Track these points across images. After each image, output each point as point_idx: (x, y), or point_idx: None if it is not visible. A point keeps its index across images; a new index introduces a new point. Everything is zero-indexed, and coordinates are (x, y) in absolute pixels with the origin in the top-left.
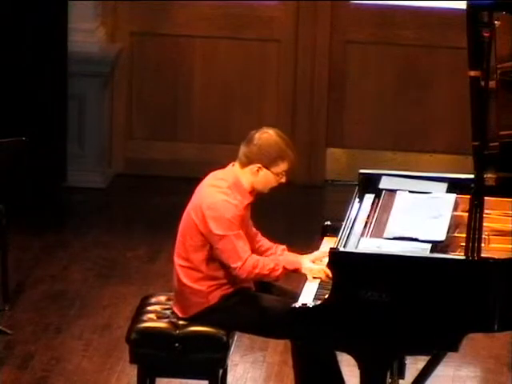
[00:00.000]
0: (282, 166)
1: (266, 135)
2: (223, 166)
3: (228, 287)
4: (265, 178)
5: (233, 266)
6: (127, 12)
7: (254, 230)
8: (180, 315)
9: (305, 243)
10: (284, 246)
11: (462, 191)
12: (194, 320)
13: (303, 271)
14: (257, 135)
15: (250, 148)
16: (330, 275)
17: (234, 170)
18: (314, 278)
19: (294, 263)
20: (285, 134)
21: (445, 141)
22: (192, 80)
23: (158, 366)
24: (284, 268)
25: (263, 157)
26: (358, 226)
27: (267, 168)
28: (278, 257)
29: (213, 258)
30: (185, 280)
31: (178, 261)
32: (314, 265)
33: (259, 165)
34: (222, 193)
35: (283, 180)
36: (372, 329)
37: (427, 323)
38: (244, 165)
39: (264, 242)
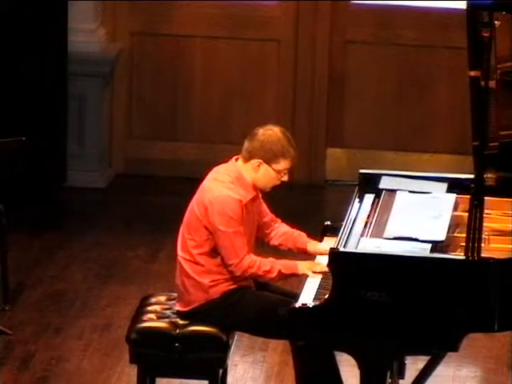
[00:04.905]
0: (283, 164)
1: (270, 132)
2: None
3: (230, 284)
4: (265, 174)
5: (229, 262)
6: (127, 12)
7: (268, 217)
8: (180, 309)
9: None
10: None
11: (461, 191)
12: (193, 314)
13: (300, 272)
14: (261, 131)
15: (253, 143)
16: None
17: (236, 164)
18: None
19: (291, 268)
20: None
21: (445, 141)
22: (192, 80)
23: (158, 365)
24: (279, 272)
25: (264, 152)
26: (358, 226)
27: (268, 164)
28: (278, 260)
29: (214, 252)
30: (189, 272)
31: (181, 254)
32: (311, 267)
33: (260, 160)
34: (225, 187)
35: (285, 178)
36: (372, 329)
37: (427, 323)
38: (246, 159)
39: (282, 228)
